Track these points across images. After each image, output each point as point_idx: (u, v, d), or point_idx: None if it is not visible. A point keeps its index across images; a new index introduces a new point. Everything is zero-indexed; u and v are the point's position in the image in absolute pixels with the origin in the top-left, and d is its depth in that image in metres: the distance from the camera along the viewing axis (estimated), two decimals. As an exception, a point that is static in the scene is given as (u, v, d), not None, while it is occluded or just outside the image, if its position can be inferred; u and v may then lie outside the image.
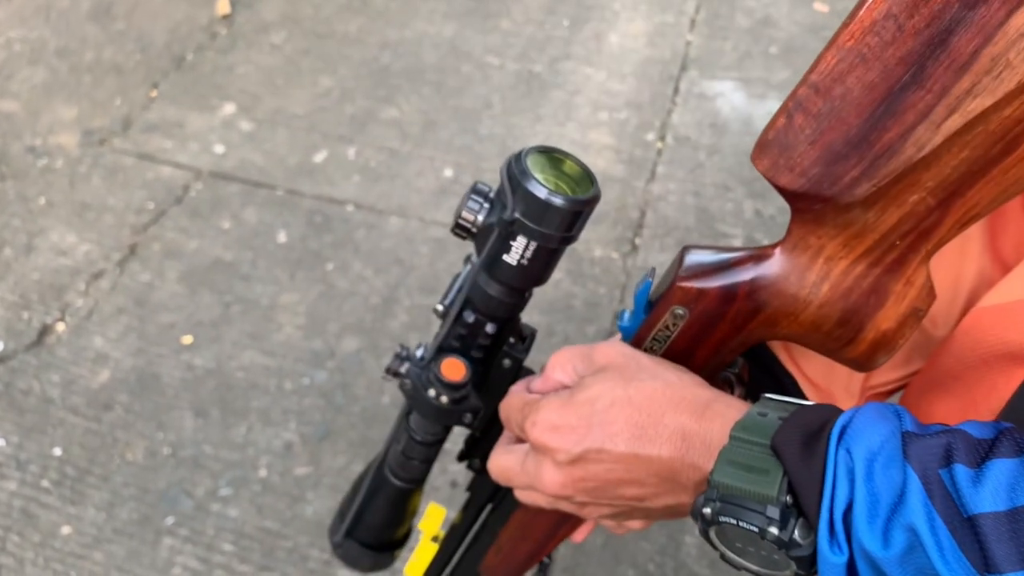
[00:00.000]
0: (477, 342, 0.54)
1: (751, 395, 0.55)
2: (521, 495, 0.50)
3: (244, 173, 2.00)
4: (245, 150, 2.06)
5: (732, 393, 0.54)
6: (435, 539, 0.65)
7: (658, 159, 2.09)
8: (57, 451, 1.47)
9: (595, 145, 2.12)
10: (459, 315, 0.53)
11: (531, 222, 0.47)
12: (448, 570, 0.67)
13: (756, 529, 0.38)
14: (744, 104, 2.26)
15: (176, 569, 1.33)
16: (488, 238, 0.49)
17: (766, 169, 0.40)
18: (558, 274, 1.74)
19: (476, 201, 0.50)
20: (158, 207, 1.92)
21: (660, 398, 0.45)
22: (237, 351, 1.64)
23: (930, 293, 0.42)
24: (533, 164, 0.48)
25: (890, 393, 0.59)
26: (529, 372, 0.56)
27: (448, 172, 2.02)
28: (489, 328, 0.53)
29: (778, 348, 0.56)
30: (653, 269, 0.51)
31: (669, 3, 2.60)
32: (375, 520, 0.62)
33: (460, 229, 0.50)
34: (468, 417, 0.56)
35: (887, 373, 0.58)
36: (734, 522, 0.39)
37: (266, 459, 1.47)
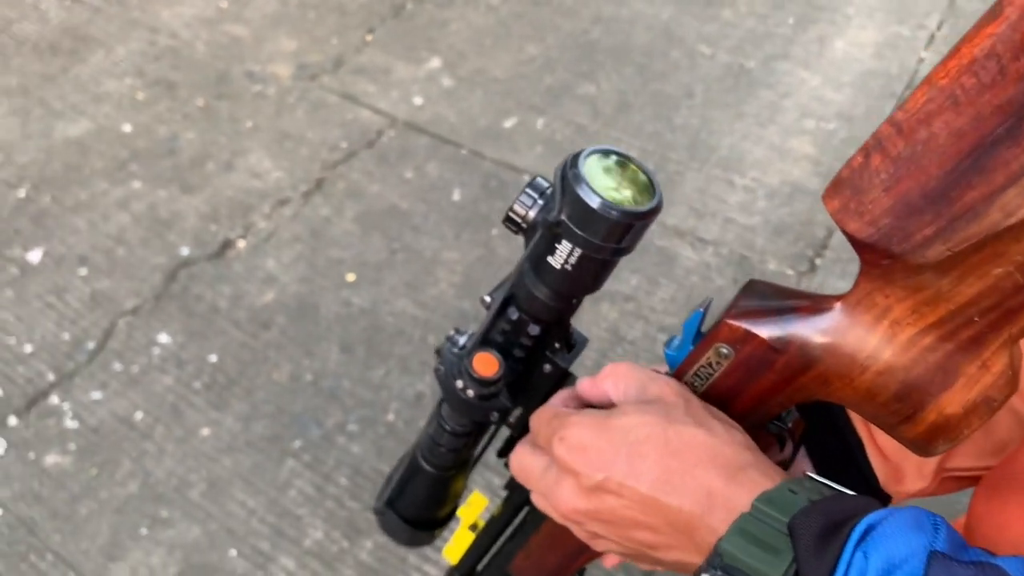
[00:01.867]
0: (519, 341, 0.51)
1: (813, 455, 0.49)
2: (536, 499, 0.48)
3: (435, 128, 2.04)
4: (441, 106, 2.11)
5: (781, 450, 0.49)
6: (473, 527, 0.63)
7: (859, 178, 1.95)
8: (213, 358, 1.57)
9: (794, 153, 2.00)
10: (503, 310, 0.50)
11: (576, 227, 0.43)
12: (484, 562, 0.66)
13: None
14: (970, 134, 2.07)
15: (292, 491, 1.39)
16: (534, 235, 0.46)
17: (835, 211, 0.35)
18: (722, 281, 1.67)
19: (530, 196, 0.46)
20: (350, 147, 1.99)
21: (698, 448, 0.41)
22: (393, 297, 1.68)
23: (1010, 382, 0.35)
24: (590, 166, 0.44)
25: (968, 481, 0.51)
26: (572, 380, 0.53)
27: (633, 157, 1.98)
28: (532, 329, 0.50)
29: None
30: (710, 299, 0.47)
31: (910, 14, 2.41)
32: (412, 497, 0.61)
33: (510, 222, 0.47)
34: (495, 415, 0.53)
35: (969, 458, 0.50)
36: None
37: (396, 405, 1.51)
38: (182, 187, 1.88)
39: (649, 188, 0.45)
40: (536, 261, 0.47)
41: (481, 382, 0.50)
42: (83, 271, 1.71)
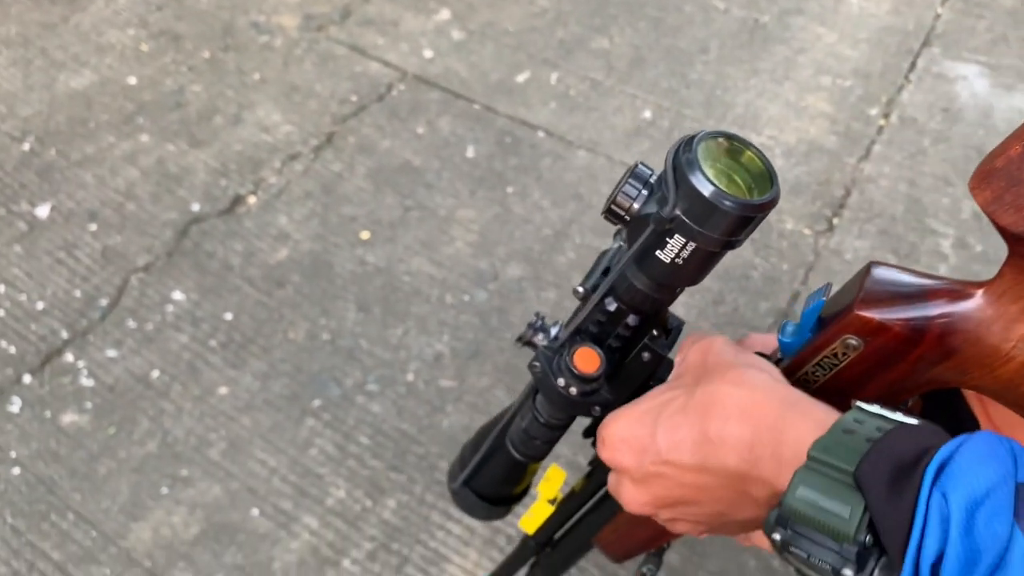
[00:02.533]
0: (616, 332, 0.49)
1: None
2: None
3: (446, 82, 2.01)
4: (452, 59, 2.07)
5: None
6: (552, 501, 0.63)
7: (877, 137, 1.93)
8: (228, 316, 1.56)
9: (810, 111, 1.98)
10: (600, 302, 0.48)
11: (693, 222, 0.41)
12: (561, 533, 0.65)
13: (828, 568, 0.33)
14: (987, 93, 2.05)
15: (313, 450, 1.39)
16: (642, 229, 0.44)
17: (986, 202, 0.34)
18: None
19: (634, 187, 0.44)
20: (360, 101, 1.96)
21: (727, 403, 0.40)
22: (408, 255, 1.66)
23: None
24: (705, 154, 0.42)
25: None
26: (670, 365, 0.52)
27: (647, 113, 1.95)
28: (631, 320, 0.48)
29: None
30: (829, 285, 0.45)
31: (925, -31, 2.37)
32: (493, 478, 0.61)
33: (612, 215, 0.45)
34: (597, 410, 0.51)
35: None
36: (804, 556, 0.34)
37: (415, 365, 1.50)
38: (190, 141, 1.85)
39: (766, 176, 0.43)
40: (642, 255, 0.44)
41: (584, 379, 0.48)
42: (93, 227, 1.68)
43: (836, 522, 0.33)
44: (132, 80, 1.98)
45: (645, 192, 0.44)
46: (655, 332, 0.50)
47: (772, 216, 1.73)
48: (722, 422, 0.40)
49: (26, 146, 1.82)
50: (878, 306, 0.39)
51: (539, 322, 0.52)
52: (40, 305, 1.56)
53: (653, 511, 0.45)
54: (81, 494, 1.33)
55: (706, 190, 0.40)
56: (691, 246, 0.42)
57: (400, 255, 1.66)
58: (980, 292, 0.37)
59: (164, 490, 1.34)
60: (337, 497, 1.34)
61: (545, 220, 1.73)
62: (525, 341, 0.52)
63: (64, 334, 1.52)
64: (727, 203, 0.40)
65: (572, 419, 0.55)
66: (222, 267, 1.63)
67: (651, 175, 0.44)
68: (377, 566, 1.27)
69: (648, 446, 0.42)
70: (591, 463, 0.60)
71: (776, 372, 0.42)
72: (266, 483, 1.35)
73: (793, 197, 1.79)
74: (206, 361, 1.49)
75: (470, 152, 1.86)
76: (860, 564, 0.33)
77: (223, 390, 1.46)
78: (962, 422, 0.48)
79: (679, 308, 1.53)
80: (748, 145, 0.43)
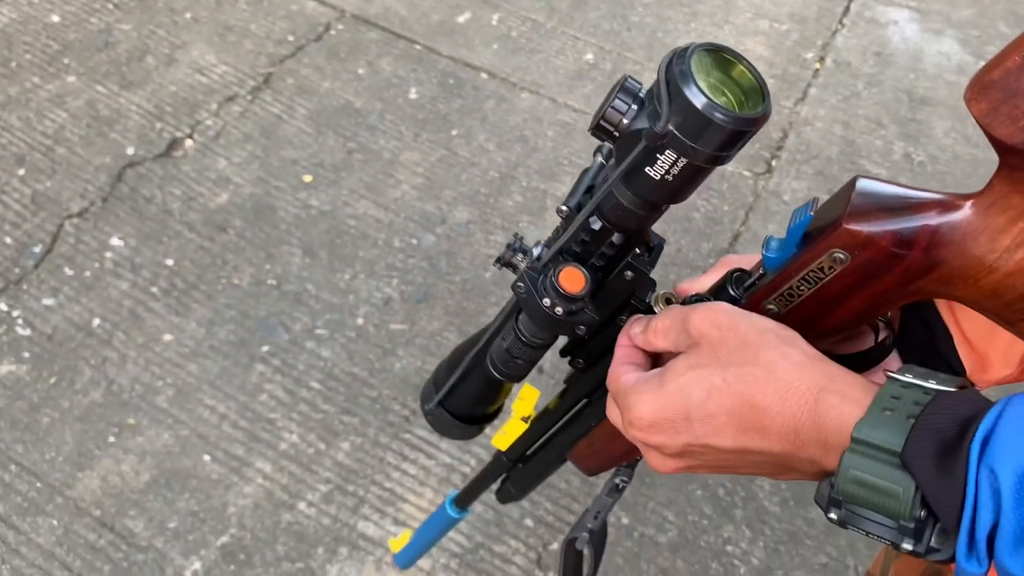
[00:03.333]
0: (600, 251, 0.49)
1: (897, 344, 0.50)
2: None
3: (386, 22, 1.97)
4: (390, -2, 2.02)
5: (876, 339, 0.49)
6: (525, 419, 0.64)
7: (812, 80, 1.97)
8: (169, 262, 1.52)
9: (749, 55, 1.99)
10: (585, 221, 0.47)
11: (686, 137, 0.40)
12: (534, 448, 0.67)
13: (888, 542, 0.35)
14: (917, 37, 2.10)
15: (263, 396, 1.38)
16: (632, 146, 0.42)
17: (983, 114, 0.34)
18: (684, 182, 1.68)
19: (624, 101, 0.42)
20: (297, 41, 1.91)
21: (763, 387, 0.40)
22: (353, 199, 1.64)
23: None
24: (698, 66, 0.40)
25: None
26: (652, 284, 0.52)
27: (589, 56, 1.95)
28: (616, 238, 0.48)
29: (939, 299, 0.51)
30: (816, 199, 0.44)
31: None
32: (468, 398, 0.61)
33: (601, 131, 0.43)
34: (582, 329, 0.51)
35: None
36: (863, 532, 0.36)
37: (364, 309, 1.49)
38: (121, 83, 1.78)
39: (757, 90, 0.42)
40: (630, 172, 0.43)
41: (570, 298, 0.48)
42: (21, 171, 1.62)
43: (891, 503, 0.34)
44: (55, 18, 1.89)
45: (635, 107, 0.42)
46: (638, 250, 0.50)
47: (714, 158, 1.76)
48: (762, 411, 0.40)
49: (-57, 87, 1.73)
50: (867, 219, 0.39)
51: (518, 243, 0.51)
52: (-31, 253, 1.50)
53: (685, 472, 0.46)
54: (23, 445, 1.30)
55: (700, 103, 0.39)
56: (682, 162, 0.41)
57: (345, 198, 1.64)
58: (968, 203, 0.38)
59: (111, 439, 1.31)
60: (290, 441, 1.33)
61: (491, 163, 1.72)
62: (504, 262, 0.51)
63: (-4, 282, 1.47)
64: (722, 117, 0.39)
65: (555, 338, 0.55)
66: (161, 212, 1.59)
67: (640, 89, 0.43)
68: (333, 508, 1.27)
69: (683, 430, 0.42)
70: (566, 381, 0.61)
71: (802, 343, 0.42)
72: (216, 429, 1.34)
73: (733, 139, 1.82)
74: (148, 308, 1.46)
75: (413, 94, 1.83)
76: (917, 536, 0.34)
77: (168, 337, 1.43)
78: (934, 333, 0.50)
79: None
80: (740, 58, 0.42)
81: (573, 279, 0.48)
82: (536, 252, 0.51)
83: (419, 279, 1.54)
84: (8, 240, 1.52)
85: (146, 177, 1.63)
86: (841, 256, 0.41)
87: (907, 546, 0.34)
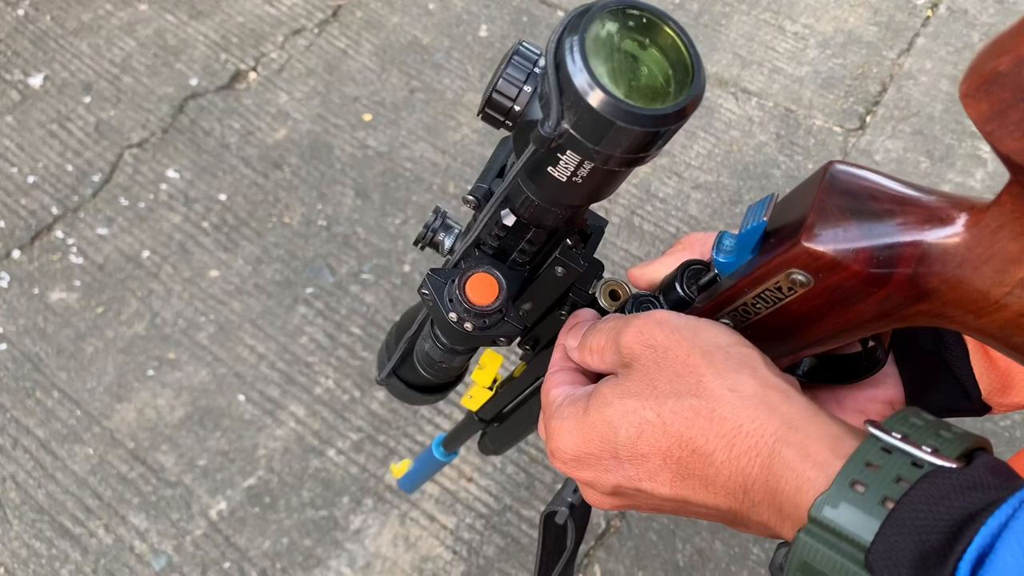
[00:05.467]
0: (520, 247, 0.40)
1: (900, 360, 0.41)
2: None
3: (463, -46, 1.88)
4: (470, -70, 1.93)
5: (866, 344, 0.40)
6: (491, 386, 0.58)
7: (921, 29, 1.79)
8: (222, 196, 1.50)
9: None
10: (496, 215, 0.38)
11: (585, 139, 0.31)
12: (508, 408, 0.61)
13: None
14: (1049, -17, 1.88)
15: (303, 338, 1.35)
16: (527, 140, 0.33)
17: (984, 118, 0.25)
18: (764, 136, 1.55)
19: (513, 82, 0.32)
20: (370, -27, 1.84)
21: (707, 427, 0.32)
22: (411, 140, 1.58)
23: None
24: (597, 42, 0.30)
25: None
26: (598, 269, 0.43)
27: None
28: (537, 236, 0.39)
29: None
30: (774, 195, 0.35)
31: None
32: (414, 371, 0.55)
33: (489, 119, 0.34)
34: (503, 341, 0.42)
35: None
36: None
37: (413, 256, 1.44)
38: (190, 12, 1.76)
39: (684, 64, 0.31)
40: (532, 171, 0.35)
41: (478, 313, 0.39)
42: (87, 99, 1.62)
43: None
44: (132, -56, 1.87)
45: (528, 88, 0.33)
46: (569, 241, 0.41)
47: (802, 111, 1.62)
48: (705, 459, 0.32)
49: (20, 11, 1.75)
50: (833, 231, 0.31)
51: (438, 220, 0.43)
52: (31, 179, 1.51)
53: (620, 510, 0.39)
54: (67, 372, 1.31)
55: (596, 101, 0.29)
56: (588, 165, 0.32)
57: (403, 139, 1.58)
58: (964, 219, 0.29)
59: (150, 372, 1.31)
60: (325, 387, 1.31)
61: (557, 107, 1.63)
62: (426, 243, 0.43)
63: (55, 210, 1.48)
64: (624, 120, 0.29)
65: (477, 347, 0.48)
66: (218, 146, 1.57)
67: (537, 59, 0.33)
68: (362, 457, 1.24)
69: (612, 468, 0.35)
70: (522, 359, 0.54)
71: (761, 367, 0.33)
72: (254, 369, 1.32)
73: (825, 92, 1.67)
74: (198, 243, 1.45)
75: (483, 31, 1.75)
76: None
77: (214, 273, 1.41)
78: (943, 341, 0.40)
79: (692, 206, 1.44)
80: (663, 18, 0.31)
81: (483, 288, 0.39)
82: (448, 243, 0.42)
83: (471, 227, 1.48)
84: (69, 168, 1.52)
85: (207, 109, 1.61)
86: (801, 279, 0.32)
87: None
